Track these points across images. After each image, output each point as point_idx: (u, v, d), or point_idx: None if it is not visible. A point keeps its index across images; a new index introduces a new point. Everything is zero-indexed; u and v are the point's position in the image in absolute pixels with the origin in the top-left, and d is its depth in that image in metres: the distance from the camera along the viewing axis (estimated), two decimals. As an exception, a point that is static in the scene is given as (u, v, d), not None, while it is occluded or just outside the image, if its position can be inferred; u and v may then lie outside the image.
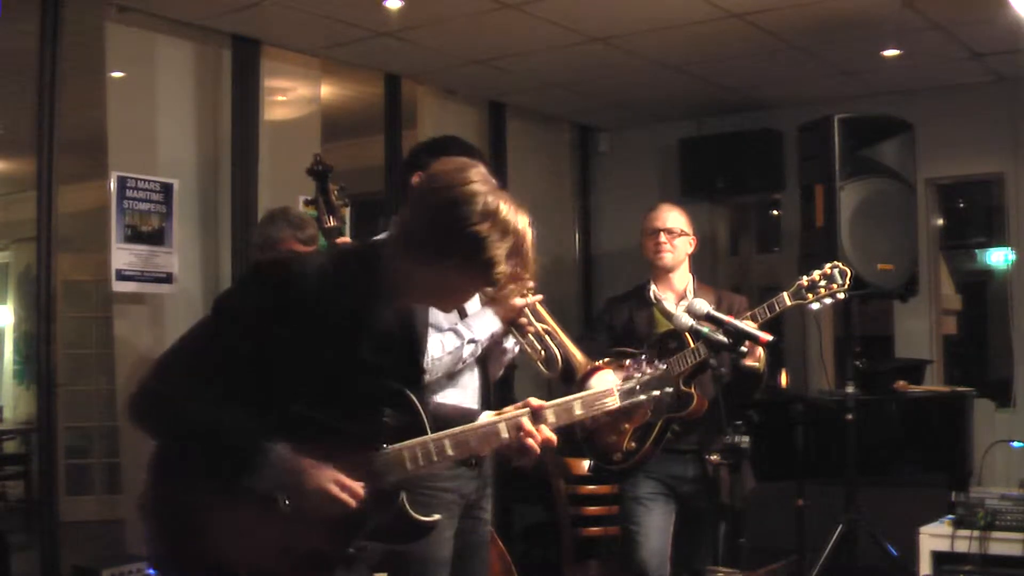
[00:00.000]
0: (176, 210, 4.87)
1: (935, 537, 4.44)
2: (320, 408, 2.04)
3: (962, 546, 4.30)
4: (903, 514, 4.81)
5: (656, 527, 3.69)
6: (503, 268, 2.02)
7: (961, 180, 6.71)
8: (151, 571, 4.27)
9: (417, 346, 2.28)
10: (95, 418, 7.36)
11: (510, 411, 2.18)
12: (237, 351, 1.99)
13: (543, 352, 2.95)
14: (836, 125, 5.19)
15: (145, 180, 4.78)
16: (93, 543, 5.48)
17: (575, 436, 3.86)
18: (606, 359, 3.71)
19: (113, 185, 4.68)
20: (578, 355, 2.97)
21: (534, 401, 2.18)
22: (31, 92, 4.46)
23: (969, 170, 6.38)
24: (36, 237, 4.45)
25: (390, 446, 2.10)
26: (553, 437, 2.16)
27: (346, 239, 3.39)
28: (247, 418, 1.98)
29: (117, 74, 4.86)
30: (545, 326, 3.02)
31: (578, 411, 2.20)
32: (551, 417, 2.16)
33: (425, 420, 2.14)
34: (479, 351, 2.96)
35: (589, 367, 2.89)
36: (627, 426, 3.69)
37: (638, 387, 2.26)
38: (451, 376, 2.97)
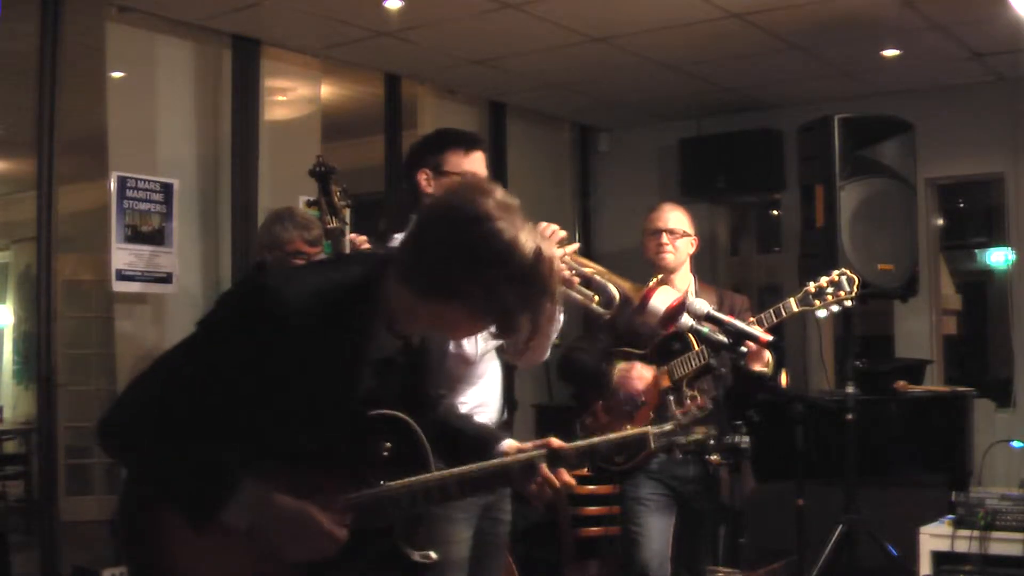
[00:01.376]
0: (176, 210, 4.87)
1: (935, 537, 4.43)
2: (306, 439, 1.86)
3: (962, 546, 4.30)
4: (903, 514, 4.81)
5: (657, 528, 3.68)
6: (520, 321, 1.81)
7: (961, 180, 6.72)
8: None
9: (423, 369, 2.09)
10: (95, 418, 7.31)
11: (529, 447, 2.01)
12: (219, 379, 1.82)
13: (595, 296, 2.90)
14: (836, 125, 5.20)
15: (145, 180, 4.78)
16: (93, 543, 5.48)
17: (575, 435, 3.86)
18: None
19: (113, 185, 4.68)
20: (628, 286, 2.90)
21: (555, 441, 2.00)
22: (31, 92, 4.46)
23: (969, 170, 6.39)
24: (36, 237, 4.45)
25: (387, 482, 1.92)
26: (571, 481, 1.97)
27: (354, 235, 3.36)
28: (221, 450, 1.82)
29: (117, 74, 4.86)
30: (589, 269, 2.96)
31: (603, 450, 2.01)
32: (573, 459, 1.97)
33: (429, 452, 1.95)
34: None
35: (644, 291, 2.81)
36: (628, 427, 3.68)
37: (677, 428, 2.09)
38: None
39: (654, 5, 4.85)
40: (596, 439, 2.05)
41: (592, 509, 4.43)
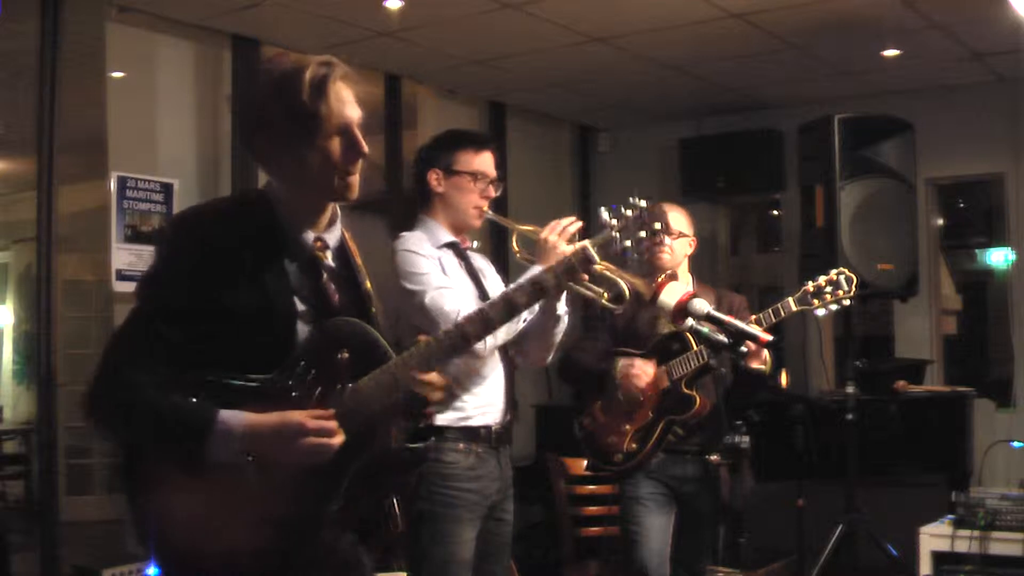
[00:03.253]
0: (176, 210, 4.87)
1: (935, 537, 4.44)
2: (265, 362, 1.94)
3: (962, 546, 4.30)
4: (903, 514, 4.81)
5: (657, 527, 3.68)
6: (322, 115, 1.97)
7: (961, 180, 6.72)
8: (149, 571, 4.27)
9: (357, 279, 2.16)
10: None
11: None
12: (168, 317, 1.92)
13: (605, 292, 2.92)
14: (836, 125, 5.20)
15: (145, 180, 4.78)
16: (93, 543, 5.48)
17: (575, 435, 3.86)
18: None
19: (113, 185, 4.68)
20: (638, 281, 2.92)
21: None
22: (31, 92, 4.46)
23: (969, 170, 6.39)
24: (36, 237, 4.45)
25: (355, 382, 1.97)
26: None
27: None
28: (192, 393, 1.88)
29: (117, 74, 4.86)
30: (599, 265, 2.97)
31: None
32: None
33: (386, 345, 2.03)
34: (536, 308, 2.90)
35: (655, 287, 2.83)
36: (628, 427, 3.69)
37: (616, 234, 2.19)
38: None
39: (654, 5, 4.85)
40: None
41: (592, 509, 4.43)
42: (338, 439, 1.89)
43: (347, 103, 2.03)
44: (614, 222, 2.18)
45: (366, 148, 2.05)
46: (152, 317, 1.95)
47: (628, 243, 2.16)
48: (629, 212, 2.17)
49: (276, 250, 2.02)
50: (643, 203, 2.16)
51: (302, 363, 1.96)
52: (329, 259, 2.10)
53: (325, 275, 2.07)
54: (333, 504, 1.95)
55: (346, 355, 1.97)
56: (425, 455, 2.08)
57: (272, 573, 1.93)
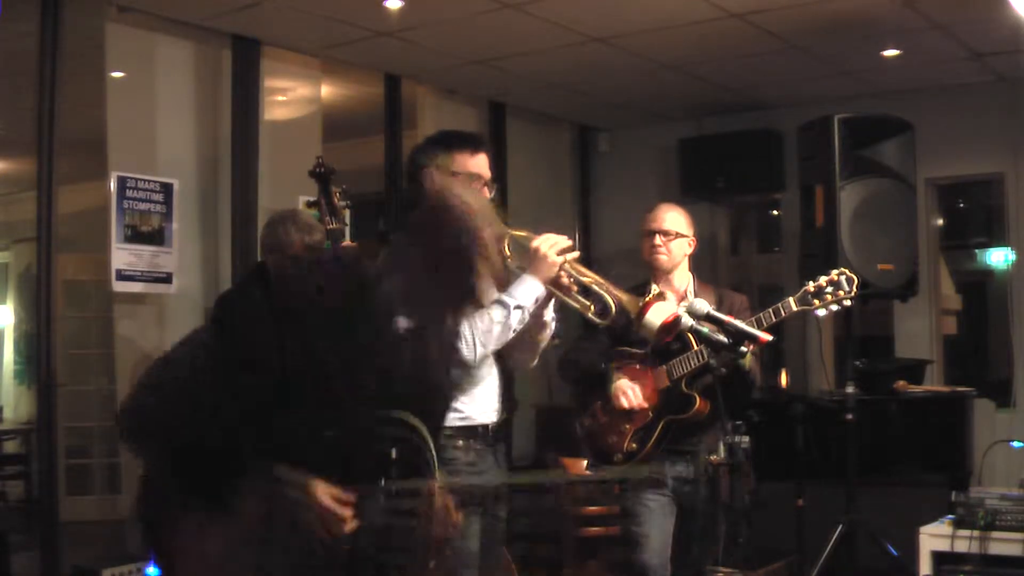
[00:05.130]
0: (176, 210, 4.87)
1: (935, 537, 4.43)
2: (320, 433, 1.98)
3: (962, 546, 4.30)
4: (903, 514, 4.81)
5: (657, 527, 3.68)
6: None
7: (961, 180, 6.72)
8: (149, 571, 4.27)
9: (426, 383, 2.23)
10: (95, 418, 7.33)
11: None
12: (243, 363, 1.96)
13: (591, 305, 2.93)
14: (836, 125, 5.20)
15: (145, 180, 4.78)
16: (93, 543, 5.48)
17: (576, 435, 3.86)
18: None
19: (113, 185, 4.68)
20: (625, 298, 2.94)
21: None
22: (31, 92, 4.46)
23: (969, 170, 6.38)
24: (36, 237, 4.45)
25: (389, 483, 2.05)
26: None
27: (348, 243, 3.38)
28: (244, 436, 1.92)
29: (117, 74, 4.86)
30: (587, 279, 3.00)
31: None
32: None
33: (433, 458, 2.09)
34: (527, 317, 2.91)
35: (641, 304, 2.85)
36: (628, 427, 3.69)
37: None
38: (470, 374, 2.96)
39: (654, 5, 4.85)
40: None
41: (592, 509, 4.43)
42: (344, 517, 1.97)
43: None
44: None
45: None
46: (230, 349, 2.04)
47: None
48: None
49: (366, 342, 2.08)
50: None
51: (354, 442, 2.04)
52: None
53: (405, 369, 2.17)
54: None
55: (393, 452, 2.06)
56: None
57: None
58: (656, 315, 2.79)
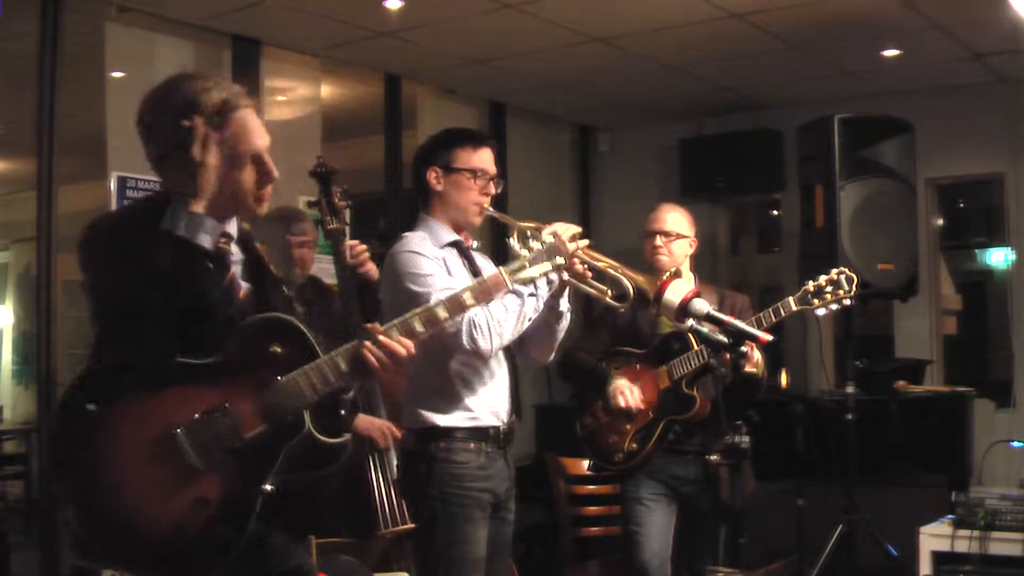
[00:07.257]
0: (176, 210, 4.86)
1: (935, 537, 4.43)
2: (200, 353, 2.10)
3: (962, 546, 4.29)
4: (903, 514, 4.80)
5: (658, 528, 3.68)
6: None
7: (961, 180, 6.72)
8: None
9: (270, 276, 2.33)
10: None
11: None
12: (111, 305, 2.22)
13: (608, 290, 2.91)
14: (836, 125, 5.19)
15: (145, 180, 4.77)
16: (93, 543, 5.46)
17: (576, 435, 3.86)
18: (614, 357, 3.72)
19: (113, 185, 4.68)
20: (642, 279, 2.92)
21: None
22: (31, 92, 4.46)
23: (969, 170, 6.39)
24: (36, 237, 4.45)
25: (283, 377, 2.13)
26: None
27: (354, 242, 3.38)
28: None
29: (117, 74, 4.86)
30: (602, 263, 2.97)
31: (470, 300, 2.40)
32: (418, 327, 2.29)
33: (313, 341, 2.17)
34: (541, 305, 2.90)
35: (659, 284, 2.83)
36: (628, 427, 3.69)
37: (527, 265, 2.41)
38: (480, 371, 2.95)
39: (654, 5, 4.85)
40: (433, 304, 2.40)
41: (592, 509, 4.43)
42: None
43: (256, 132, 2.27)
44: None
45: (276, 174, 2.31)
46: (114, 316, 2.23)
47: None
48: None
49: (190, 248, 2.14)
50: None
51: (236, 354, 2.12)
52: (235, 251, 2.26)
53: (234, 266, 2.22)
54: (262, 486, 2.08)
55: (278, 349, 2.15)
56: (341, 451, 2.21)
57: (204, 562, 2.05)
58: (675, 293, 2.76)
